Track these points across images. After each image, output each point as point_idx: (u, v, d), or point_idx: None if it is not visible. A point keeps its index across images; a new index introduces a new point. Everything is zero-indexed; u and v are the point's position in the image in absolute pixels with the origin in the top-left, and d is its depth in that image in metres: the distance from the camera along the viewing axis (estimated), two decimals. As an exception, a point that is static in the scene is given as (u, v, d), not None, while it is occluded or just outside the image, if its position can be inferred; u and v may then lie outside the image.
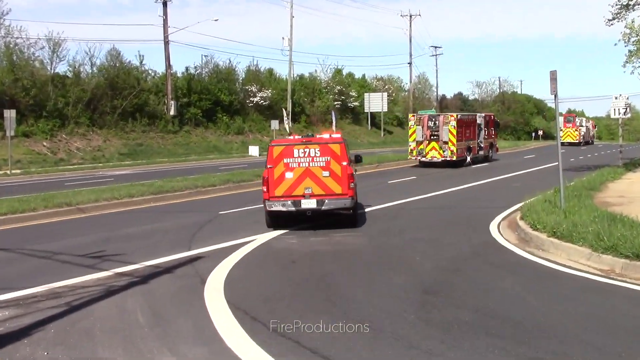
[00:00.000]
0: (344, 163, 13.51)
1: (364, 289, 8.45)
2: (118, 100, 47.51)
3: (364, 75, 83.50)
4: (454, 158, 33.25)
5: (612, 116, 27.91)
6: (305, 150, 13.51)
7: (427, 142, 33.59)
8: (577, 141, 64.86)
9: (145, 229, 14.36)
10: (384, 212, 16.40)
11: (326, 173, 13.49)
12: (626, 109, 27.39)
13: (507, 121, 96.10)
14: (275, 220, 13.89)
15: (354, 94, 73.65)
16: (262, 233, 13.15)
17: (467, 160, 34.99)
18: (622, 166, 27.78)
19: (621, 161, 30.17)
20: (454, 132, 33.40)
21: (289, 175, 13.51)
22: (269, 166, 13.60)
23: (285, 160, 13.53)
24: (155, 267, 10.20)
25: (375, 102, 71.73)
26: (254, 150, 49.81)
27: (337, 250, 11.42)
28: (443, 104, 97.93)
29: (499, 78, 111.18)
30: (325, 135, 14.39)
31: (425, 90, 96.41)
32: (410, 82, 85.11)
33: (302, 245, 12.03)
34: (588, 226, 10.36)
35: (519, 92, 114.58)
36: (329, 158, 13.52)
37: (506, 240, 11.78)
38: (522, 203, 14.47)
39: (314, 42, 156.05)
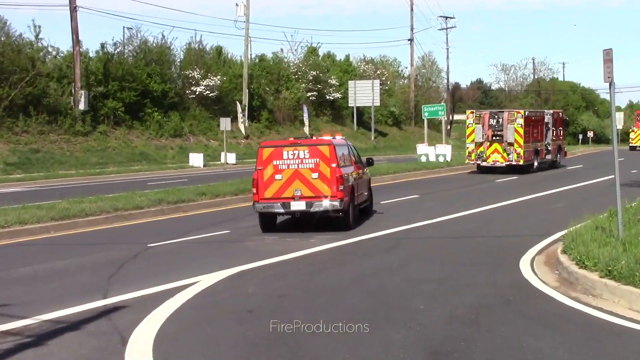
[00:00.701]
0: (333, 165, 18.06)
1: (348, 350, 8.46)
2: (3, 89, 47.22)
3: (347, 57, 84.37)
4: (521, 162, 38.22)
5: None
6: (295, 152, 18.17)
7: (489, 143, 38.82)
8: None
9: (41, 269, 14.23)
10: (379, 242, 16.70)
11: (315, 175, 18.08)
12: None
13: None
14: (268, 222, 18.74)
15: (334, 81, 74.18)
16: (208, 272, 13.16)
17: (535, 165, 40.00)
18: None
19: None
20: (521, 131, 38.06)
21: (278, 177, 18.19)
22: (258, 168, 18.34)
23: (274, 162, 18.18)
24: (57, 322, 10.11)
25: (364, 93, 72.28)
26: (196, 159, 49.84)
27: (311, 294, 11.49)
28: (456, 96, 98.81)
29: (533, 60, 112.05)
30: (327, 137, 19.78)
31: (432, 76, 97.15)
32: (412, 65, 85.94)
33: (264, 288, 12.16)
34: (656, 262, 10.55)
35: (561, 78, 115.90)
36: (317, 160, 18.10)
37: (542, 281, 11.99)
38: (566, 231, 14.68)
39: (281, 12, 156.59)
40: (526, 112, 39.33)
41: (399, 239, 17.02)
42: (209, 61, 64.57)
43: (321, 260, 14.54)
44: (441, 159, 44.97)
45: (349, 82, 73.80)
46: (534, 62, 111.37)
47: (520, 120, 37.89)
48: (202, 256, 15.33)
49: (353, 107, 73.46)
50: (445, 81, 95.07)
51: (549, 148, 42.21)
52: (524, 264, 13.53)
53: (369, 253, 15.21)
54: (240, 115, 60.83)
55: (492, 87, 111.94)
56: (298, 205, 18.05)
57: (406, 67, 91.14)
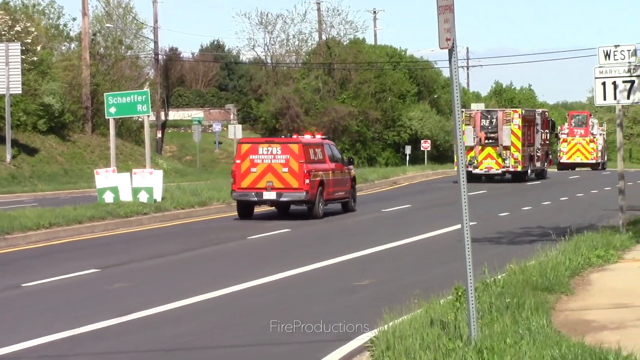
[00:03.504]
0: (301, 161, 23.08)
1: None
2: None
3: None
4: (519, 168, 38.17)
5: (599, 102, 18.61)
6: (269, 148, 23.47)
7: (481, 147, 38.30)
8: (594, 161, 53.92)
9: None
10: None
11: (285, 169, 23.08)
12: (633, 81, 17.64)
13: (338, 117, 61.17)
14: (246, 210, 23.98)
15: None
16: None
17: (529, 173, 40.10)
18: (623, 228, 18.04)
19: (622, 215, 19.39)
20: (519, 133, 38.12)
21: (253, 170, 23.27)
22: (237, 161, 23.93)
23: (251, 157, 23.41)
24: None
25: None
26: None
27: None
28: (173, 74, 67.41)
29: (319, 5, 68.56)
30: (307, 136, 26.89)
31: (126, 37, 60.69)
32: (85, 15, 50.46)
33: None
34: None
35: (370, 40, 74.41)
36: (288, 156, 23.14)
37: None
38: (376, 330, 9.64)
39: None
40: (523, 112, 39.83)
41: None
42: None
43: None
44: (144, 198, 26.56)
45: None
46: (319, 10, 67.69)
47: (518, 121, 38.04)
48: None
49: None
50: (152, 46, 60.73)
51: (539, 154, 41.69)
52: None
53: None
54: None
55: (243, 58, 72.12)
56: (269, 195, 23.19)
57: (75, 18, 53.43)
